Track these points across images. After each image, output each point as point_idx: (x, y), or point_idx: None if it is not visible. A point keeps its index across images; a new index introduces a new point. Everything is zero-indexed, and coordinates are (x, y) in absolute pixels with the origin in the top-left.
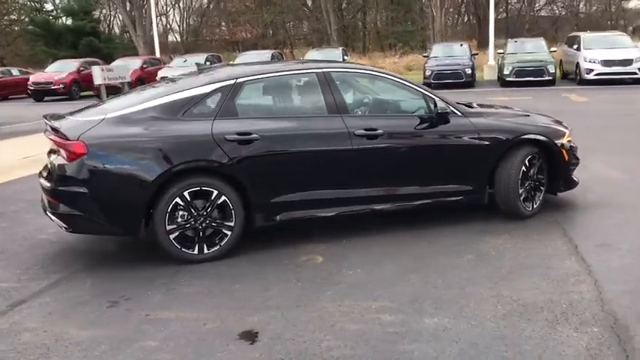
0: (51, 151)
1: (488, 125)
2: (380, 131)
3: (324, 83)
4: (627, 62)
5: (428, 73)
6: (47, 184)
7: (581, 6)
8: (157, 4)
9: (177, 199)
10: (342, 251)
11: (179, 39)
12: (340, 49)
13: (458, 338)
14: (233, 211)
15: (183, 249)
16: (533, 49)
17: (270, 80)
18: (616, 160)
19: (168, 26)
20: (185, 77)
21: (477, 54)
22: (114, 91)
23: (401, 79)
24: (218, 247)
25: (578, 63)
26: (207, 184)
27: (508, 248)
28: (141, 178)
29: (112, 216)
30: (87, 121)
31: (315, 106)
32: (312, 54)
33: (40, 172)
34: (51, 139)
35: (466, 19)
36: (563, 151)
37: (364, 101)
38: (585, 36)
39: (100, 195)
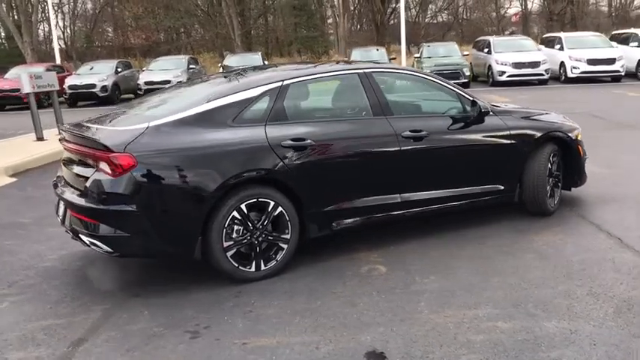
0: (70, 162)
1: (518, 123)
2: (424, 132)
3: (366, 84)
4: (536, 64)
5: None
6: (80, 202)
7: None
8: (43, 10)
9: (235, 213)
10: (399, 258)
11: (64, 45)
12: (259, 53)
13: (593, 341)
14: (289, 223)
15: (240, 267)
16: (447, 53)
17: (315, 82)
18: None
19: (59, 32)
20: (219, 80)
21: (394, 58)
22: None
23: (436, 78)
24: (275, 262)
25: (490, 65)
26: (264, 194)
27: (560, 245)
28: (197, 192)
29: (166, 235)
30: (129, 130)
31: (360, 108)
32: (232, 59)
33: (56, 185)
34: (80, 151)
35: (365, 25)
36: (579, 147)
37: (404, 102)
38: (495, 40)
39: (152, 212)
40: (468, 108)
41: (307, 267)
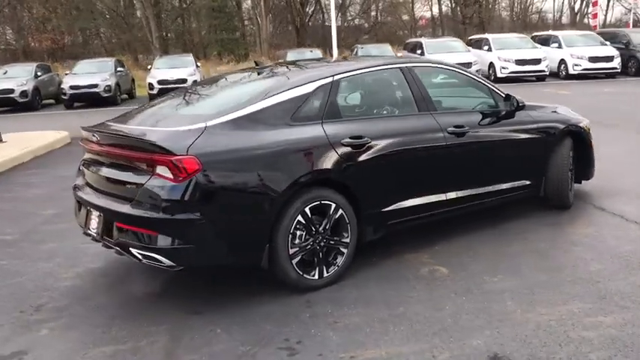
0: (96, 164)
1: (542, 117)
2: (466, 128)
3: (409, 79)
4: (468, 65)
5: None
6: (133, 212)
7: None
8: None
9: (300, 217)
10: (451, 258)
11: None
12: (191, 55)
13: None
14: (348, 226)
15: (304, 275)
16: (381, 54)
17: (362, 77)
18: None
19: None
20: (260, 75)
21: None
22: None
23: (470, 73)
24: (337, 267)
25: None
26: (326, 197)
27: (599, 237)
28: (265, 195)
29: (233, 244)
30: (186, 130)
31: (406, 104)
32: (161, 62)
33: (78, 191)
34: (121, 154)
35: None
36: (591, 140)
37: (442, 97)
38: (426, 41)
39: (219, 220)
40: (500, 102)
41: (361, 272)
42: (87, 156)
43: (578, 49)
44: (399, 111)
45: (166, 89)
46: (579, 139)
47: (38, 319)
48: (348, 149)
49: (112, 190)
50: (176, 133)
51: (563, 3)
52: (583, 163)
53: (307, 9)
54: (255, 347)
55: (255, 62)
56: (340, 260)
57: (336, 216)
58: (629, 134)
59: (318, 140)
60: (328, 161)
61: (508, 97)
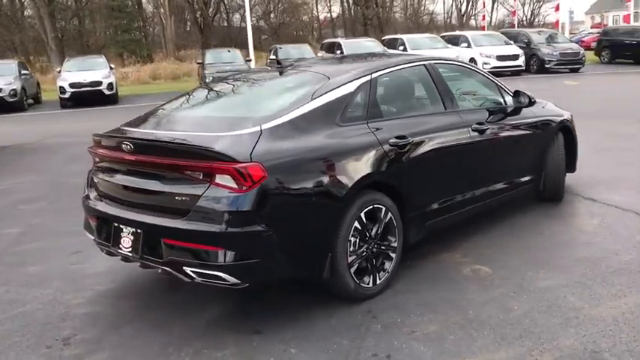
0: (117, 173)
1: (541, 112)
2: (486, 125)
3: (434, 76)
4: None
5: (208, 80)
6: (189, 227)
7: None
8: None
9: (356, 223)
10: (485, 255)
11: None
12: (103, 56)
13: None
14: (396, 230)
15: (361, 283)
16: (301, 55)
17: (395, 74)
18: None
19: None
20: (295, 74)
21: (250, 60)
22: None
23: (480, 70)
24: (387, 273)
25: None
26: (378, 200)
27: (611, 227)
28: (327, 201)
29: (297, 255)
30: (243, 134)
31: (434, 101)
32: (70, 64)
33: (91, 204)
34: (162, 162)
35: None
36: (575, 133)
37: (461, 94)
38: (344, 41)
39: (283, 230)
40: (507, 98)
41: (403, 276)
42: (104, 165)
43: (486, 49)
44: (429, 109)
45: (80, 93)
46: (568, 133)
47: (74, 354)
48: (395, 149)
49: (154, 203)
50: (234, 138)
51: (452, 5)
52: (569, 157)
53: (210, 9)
54: None
55: (277, 61)
56: (389, 266)
57: (386, 220)
58: None
59: (369, 141)
60: (380, 163)
61: (517, 93)
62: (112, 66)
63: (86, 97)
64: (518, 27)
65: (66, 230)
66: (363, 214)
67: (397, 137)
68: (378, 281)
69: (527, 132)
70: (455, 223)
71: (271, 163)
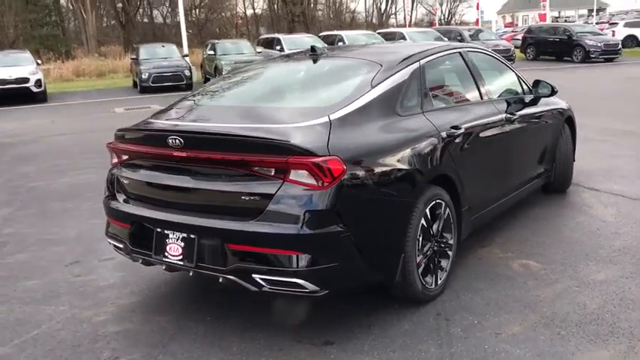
0: (158, 170)
1: (550, 101)
2: (516, 115)
3: (470, 63)
4: None
5: (145, 76)
6: (261, 229)
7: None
8: None
9: (423, 220)
10: (524, 248)
11: None
12: (27, 51)
13: None
14: (452, 226)
15: (426, 285)
16: (238, 50)
17: (437, 61)
18: None
19: None
20: (341, 60)
21: (187, 55)
22: None
23: (501, 58)
24: (445, 272)
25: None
26: (439, 195)
27: (630, 217)
28: (400, 197)
29: (373, 257)
30: (314, 125)
31: (472, 89)
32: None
33: (119, 207)
34: (231, 159)
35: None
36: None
37: (491, 83)
38: (284, 37)
39: (360, 230)
40: (526, 89)
41: (452, 274)
42: (135, 162)
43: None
44: (469, 97)
45: (5, 91)
46: (571, 122)
47: None
48: (450, 141)
49: (212, 204)
50: (307, 130)
51: (372, 4)
52: (572, 146)
53: (134, 3)
54: None
55: (311, 47)
56: (446, 264)
57: (445, 216)
58: None
59: (429, 132)
60: (440, 155)
61: (537, 83)
62: (40, 62)
63: (11, 95)
64: (438, 25)
65: (50, 238)
66: (428, 210)
67: (452, 127)
68: (439, 281)
69: (546, 122)
70: (494, 216)
71: (347, 156)
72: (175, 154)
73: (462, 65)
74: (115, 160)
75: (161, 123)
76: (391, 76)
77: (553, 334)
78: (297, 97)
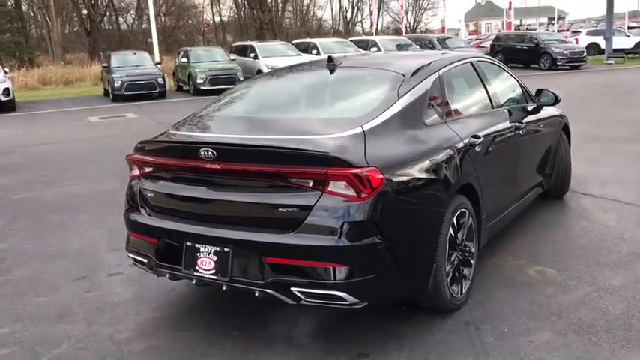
0: (187, 182)
1: (548, 109)
2: (524, 123)
3: (481, 73)
4: None
5: (117, 84)
6: (301, 242)
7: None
8: None
9: (451, 230)
10: (535, 254)
11: None
12: None
13: None
14: (474, 234)
15: (453, 294)
16: (212, 58)
17: (453, 71)
18: None
19: None
20: (362, 69)
21: (160, 63)
22: None
23: (505, 67)
24: (469, 281)
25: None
26: (463, 204)
27: (632, 220)
28: (432, 207)
29: (409, 268)
30: (350, 136)
31: (483, 98)
32: None
33: (142, 219)
34: (268, 170)
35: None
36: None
37: (500, 91)
38: (258, 45)
39: (397, 241)
40: (528, 97)
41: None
42: (159, 175)
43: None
44: (482, 106)
45: None
46: (566, 129)
47: None
48: (472, 150)
49: (247, 216)
50: (343, 140)
51: (339, 12)
52: None
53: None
54: None
55: (329, 57)
56: (469, 273)
57: (468, 224)
58: None
59: (453, 142)
60: (465, 164)
61: (539, 92)
62: (7, 70)
63: None
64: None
65: (51, 252)
66: (455, 220)
67: (473, 136)
68: (463, 290)
69: (548, 129)
70: (505, 224)
71: (383, 167)
72: (207, 166)
73: (474, 74)
74: (136, 173)
75: (187, 135)
76: (416, 86)
77: (585, 340)
78: (325, 108)
